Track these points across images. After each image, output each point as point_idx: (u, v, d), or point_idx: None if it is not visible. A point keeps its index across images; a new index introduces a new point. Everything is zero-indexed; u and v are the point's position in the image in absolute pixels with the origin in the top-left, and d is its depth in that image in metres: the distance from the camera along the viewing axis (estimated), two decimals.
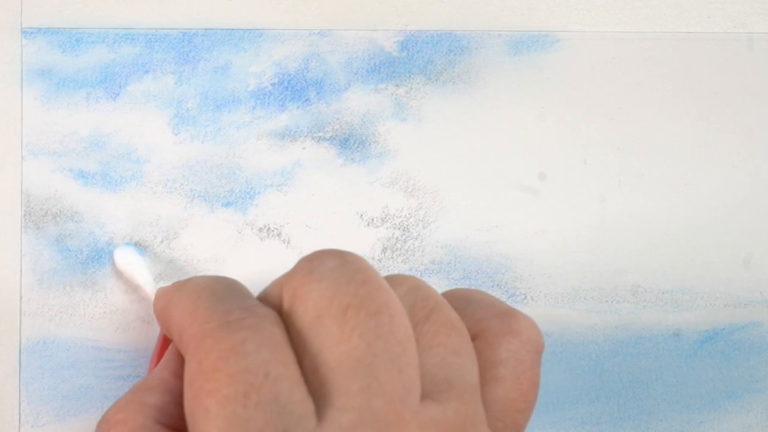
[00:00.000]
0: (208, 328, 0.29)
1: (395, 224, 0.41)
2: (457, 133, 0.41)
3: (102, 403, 0.39)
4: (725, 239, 0.42)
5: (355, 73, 0.41)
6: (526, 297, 0.41)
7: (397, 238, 0.41)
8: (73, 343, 0.39)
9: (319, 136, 0.41)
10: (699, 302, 0.41)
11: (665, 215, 0.42)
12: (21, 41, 0.40)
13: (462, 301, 0.33)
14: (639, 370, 0.41)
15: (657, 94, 0.42)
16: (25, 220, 0.39)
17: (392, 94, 0.41)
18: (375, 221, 0.41)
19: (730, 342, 0.41)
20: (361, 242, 0.40)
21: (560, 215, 0.41)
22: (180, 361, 0.32)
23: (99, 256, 0.39)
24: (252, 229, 0.40)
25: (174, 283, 0.33)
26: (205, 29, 0.40)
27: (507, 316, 0.32)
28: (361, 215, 0.41)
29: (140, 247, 0.40)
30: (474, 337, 0.32)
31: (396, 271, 0.40)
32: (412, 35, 0.41)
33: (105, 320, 0.39)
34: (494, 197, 0.41)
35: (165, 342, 0.37)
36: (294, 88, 0.41)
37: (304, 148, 0.41)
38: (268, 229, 0.40)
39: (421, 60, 0.41)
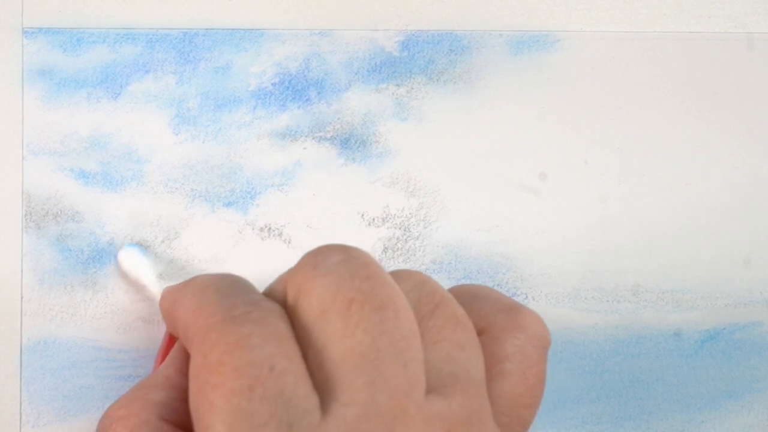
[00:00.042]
0: (213, 322, 0.29)
1: (396, 224, 0.41)
2: (458, 133, 0.41)
3: (103, 403, 0.39)
4: (725, 239, 0.42)
5: (356, 73, 0.41)
6: (526, 297, 0.41)
7: (398, 238, 0.41)
8: (74, 343, 0.39)
9: (320, 136, 0.41)
10: (699, 302, 0.41)
11: (665, 215, 0.42)
12: (22, 41, 0.40)
13: (468, 296, 0.33)
14: (640, 370, 0.41)
15: (657, 94, 0.42)
16: (26, 220, 0.39)
17: (393, 93, 0.41)
18: (376, 221, 0.41)
19: (730, 342, 0.42)
20: (362, 242, 0.40)
21: (561, 215, 0.41)
22: (185, 358, 0.32)
23: (100, 256, 0.39)
24: (253, 229, 0.40)
25: (180, 282, 0.33)
26: (206, 29, 0.40)
27: (513, 311, 0.32)
28: (362, 215, 0.41)
29: (143, 247, 0.39)
30: (480, 332, 0.32)
31: None
32: (413, 35, 0.41)
33: (106, 320, 0.39)
34: (495, 197, 0.41)
35: (170, 341, 0.37)
36: (295, 87, 0.41)
37: (304, 148, 0.41)
38: (269, 229, 0.40)
39: (421, 60, 0.41)
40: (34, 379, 0.39)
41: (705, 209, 0.42)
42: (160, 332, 0.39)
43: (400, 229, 0.41)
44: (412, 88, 0.41)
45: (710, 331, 0.41)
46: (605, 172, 0.41)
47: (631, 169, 0.41)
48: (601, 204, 0.41)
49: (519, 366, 0.31)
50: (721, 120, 0.42)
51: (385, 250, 0.41)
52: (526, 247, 0.41)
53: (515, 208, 0.41)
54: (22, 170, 0.39)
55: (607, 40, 0.42)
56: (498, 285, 0.41)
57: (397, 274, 0.31)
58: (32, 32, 0.40)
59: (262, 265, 0.40)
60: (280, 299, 0.30)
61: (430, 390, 0.29)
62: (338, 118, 0.41)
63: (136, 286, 0.39)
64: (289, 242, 0.40)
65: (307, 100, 0.41)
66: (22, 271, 0.39)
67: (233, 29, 0.40)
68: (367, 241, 0.40)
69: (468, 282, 0.41)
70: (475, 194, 0.41)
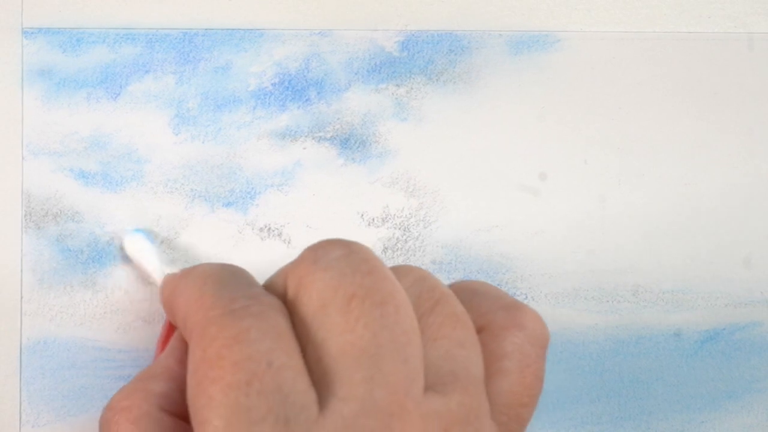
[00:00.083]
0: (212, 316, 0.29)
1: (396, 224, 0.41)
2: (458, 133, 0.41)
3: (103, 403, 0.38)
4: (725, 239, 0.42)
5: (356, 73, 0.41)
6: (526, 297, 0.41)
7: (397, 238, 0.41)
8: (73, 343, 0.39)
9: (320, 136, 0.41)
10: (699, 302, 0.41)
11: (665, 215, 0.42)
12: (21, 41, 0.40)
13: (468, 293, 0.33)
14: (639, 370, 0.41)
15: (657, 94, 0.42)
16: (25, 220, 0.39)
17: (393, 94, 0.41)
18: (376, 221, 0.41)
19: (730, 342, 0.41)
20: (362, 242, 0.40)
21: (560, 215, 0.41)
22: (185, 348, 0.32)
23: (100, 256, 0.39)
24: (253, 229, 0.40)
25: (181, 270, 0.33)
26: (206, 29, 0.40)
27: (513, 309, 0.32)
28: (362, 215, 0.41)
29: (149, 233, 0.39)
30: (479, 330, 0.32)
31: None
32: (413, 35, 0.41)
33: (106, 320, 0.39)
34: (495, 197, 0.41)
35: (170, 329, 0.37)
36: (294, 88, 0.41)
37: (304, 148, 0.41)
38: (269, 229, 0.40)
39: (421, 60, 0.41)
40: (34, 379, 0.39)
41: (705, 209, 0.42)
42: (164, 320, 0.39)
43: (399, 229, 0.41)
44: (412, 88, 0.41)
45: (710, 331, 0.41)
46: (605, 172, 0.41)
47: (631, 169, 0.41)
48: (601, 204, 0.41)
49: (518, 364, 0.31)
50: (721, 120, 0.42)
51: (385, 250, 0.41)
52: (526, 247, 0.41)
53: (515, 208, 0.41)
54: (22, 170, 0.39)
55: (607, 40, 0.42)
56: (498, 285, 0.41)
57: (398, 270, 0.31)
58: (32, 32, 0.40)
59: (261, 265, 0.40)
60: (280, 293, 0.30)
61: (429, 387, 0.29)
62: (338, 118, 0.41)
63: (139, 272, 0.39)
64: (288, 242, 0.40)
65: (306, 100, 0.41)
66: (21, 271, 0.39)
67: (233, 29, 0.40)
68: (367, 241, 0.40)
69: None
70: (475, 194, 0.41)
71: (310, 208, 0.40)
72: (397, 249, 0.41)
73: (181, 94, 0.40)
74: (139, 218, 0.40)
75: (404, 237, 0.41)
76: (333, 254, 0.29)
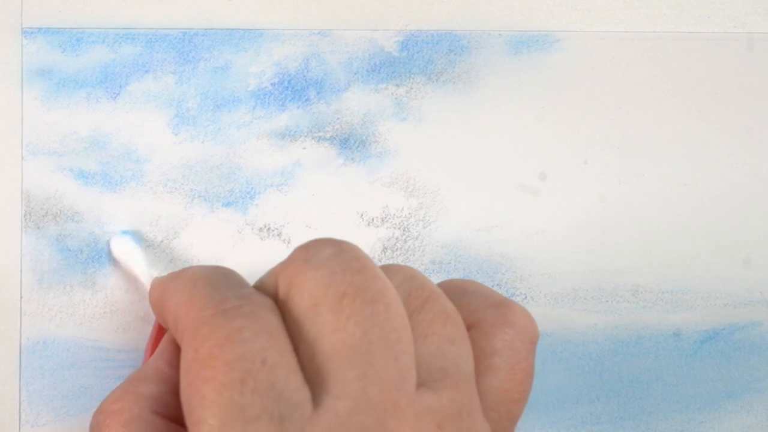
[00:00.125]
0: (204, 316, 0.29)
1: (395, 224, 0.41)
2: (458, 132, 0.41)
3: None
4: (725, 239, 0.42)
5: (356, 73, 0.41)
6: (526, 297, 0.41)
7: (397, 238, 0.41)
8: (73, 343, 0.39)
9: (320, 136, 0.41)
10: (699, 302, 0.41)
11: (665, 215, 0.42)
12: (21, 41, 0.40)
13: (457, 291, 0.33)
14: (639, 370, 0.41)
15: (657, 94, 0.42)
16: (25, 220, 0.39)
17: (392, 93, 0.41)
18: (375, 221, 0.41)
19: (730, 342, 0.41)
20: (362, 242, 0.40)
21: (560, 215, 0.41)
22: (175, 350, 0.32)
23: (99, 256, 0.39)
24: (252, 229, 0.40)
25: (170, 273, 0.33)
26: (206, 29, 0.40)
27: (502, 306, 0.32)
28: (362, 215, 0.41)
29: (137, 235, 0.39)
30: (469, 327, 0.32)
31: None
32: (412, 35, 0.41)
33: (105, 320, 0.39)
34: (494, 197, 0.41)
35: (159, 332, 0.37)
36: (294, 87, 0.41)
37: (304, 148, 0.41)
38: (269, 229, 0.40)
39: (421, 60, 0.41)
40: (34, 378, 0.39)
41: (705, 209, 0.42)
42: (153, 323, 0.39)
43: (399, 229, 0.41)
44: (412, 88, 0.41)
45: (710, 331, 0.41)
46: (605, 172, 0.41)
47: (631, 169, 0.41)
48: (601, 204, 0.41)
49: (508, 361, 0.31)
50: (721, 120, 0.42)
51: (385, 250, 0.41)
52: (526, 247, 0.41)
53: (515, 208, 0.41)
54: (22, 170, 0.39)
55: (607, 40, 0.42)
56: (498, 285, 0.41)
57: (388, 269, 0.31)
58: (32, 32, 0.40)
59: (261, 265, 0.40)
60: (272, 293, 0.30)
61: (421, 384, 0.29)
62: (338, 118, 0.41)
63: (127, 275, 0.39)
64: (288, 242, 0.40)
65: (306, 100, 0.41)
66: (21, 270, 0.39)
67: (233, 29, 0.40)
68: (367, 241, 0.40)
69: None
70: (474, 194, 0.41)
71: (309, 208, 0.40)
72: (397, 249, 0.41)
73: (181, 94, 0.40)
74: (138, 218, 0.40)
75: (404, 237, 0.41)
76: (323, 253, 0.29)
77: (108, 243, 0.39)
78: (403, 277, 0.31)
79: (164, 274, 0.35)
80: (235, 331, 0.28)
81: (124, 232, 0.39)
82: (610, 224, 0.41)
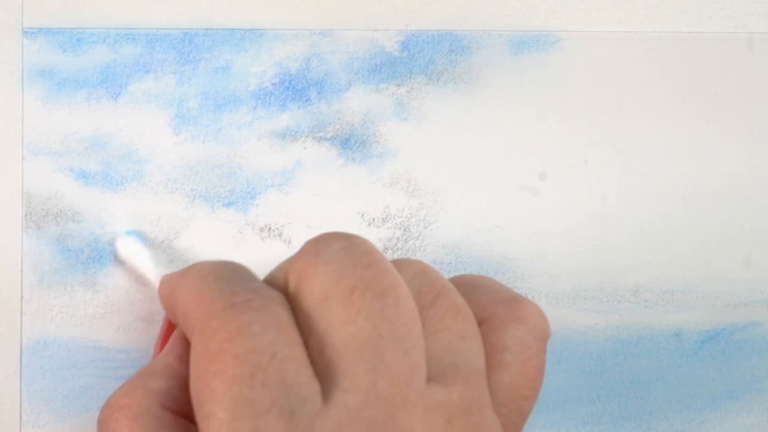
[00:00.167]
0: (214, 310, 0.29)
1: (396, 224, 0.41)
2: (458, 133, 0.41)
3: (103, 404, 0.39)
4: (725, 239, 0.42)
5: (356, 73, 0.41)
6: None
7: (398, 238, 0.41)
8: (73, 343, 0.39)
9: (320, 136, 0.41)
10: (700, 302, 0.41)
11: (665, 215, 0.42)
12: (22, 41, 0.40)
13: (468, 287, 0.33)
14: (640, 370, 0.41)
15: (657, 94, 0.42)
16: (26, 220, 0.39)
17: (393, 94, 0.41)
18: (376, 221, 0.41)
19: (730, 342, 0.42)
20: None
21: (561, 215, 0.41)
22: (184, 346, 0.32)
23: (100, 256, 0.39)
24: (253, 229, 0.40)
25: (179, 270, 0.33)
26: (206, 29, 0.40)
27: (513, 302, 0.32)
28: (362, 215, 0.41)
29: (141, 235, 0.39)
30: (480, 323, 0.32)
31: None
32: (413, 35, 0.41)
33: (106, 320, 0.39)
34: (495, 197, 0.41)
35: (169, 328, 0.37)
36: (295, 88, 0.41)
37: (305, 148, 0.41)
38: (269, 229, 0.40)
39: (422, 60, 0.41)
40: (34, 379, 0.39)
41: (705, 209, 0.42)
42: (163, 319, 0.39)
43: (400, 229, 0.41)
44: (412, 88, 0.41)
45: (710, 331, 0.41)
46: (606, 172, 0.41)
47: (631, 169, 0.41)
48: (601, 204, 0.41)
49: (518, 357, 0.31)
50: (721, 120, 0.42)
51: (385, 250, 0.41)
52: (526, 247, 0.41)
53: (515, 208, 0.41)
54: (22, 170, 0.39)
55: (607, 40, 0.42)
56: None
57: (398, 263, 0.31)
58: (32, 32, 0.40)
59: (262, 265, 0.40)
60: (281, 287, 0.30)
61: (431, 379, 0.29)
62: (338, 118, 0.41)
63: (133, 274, 0.39)
64: (289, 242, 0.40)
65: (307, 100, 0.41)
66: (22, 271, 0.39)
67: (233, 29, 0.40)
68: None
69: None
70: (475, 194, 0.41)
71: (310, 208, 0.40)
72: (398, 249, 0.41)
73: (182, 94, 0.40)
74: (139, 218, 0.40)
75: (404, 237, 0.41)
76: (334, 247, 0.30)
77: (112, 244, 0.39)
78: (414, 271, 0.31)
79: (172, 271, 0.35)
80: (245, 324, 0.28)
81: (129, 233, 0.39)
82: (611, 224, 0.41)
